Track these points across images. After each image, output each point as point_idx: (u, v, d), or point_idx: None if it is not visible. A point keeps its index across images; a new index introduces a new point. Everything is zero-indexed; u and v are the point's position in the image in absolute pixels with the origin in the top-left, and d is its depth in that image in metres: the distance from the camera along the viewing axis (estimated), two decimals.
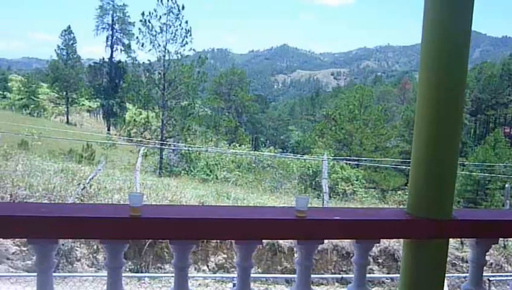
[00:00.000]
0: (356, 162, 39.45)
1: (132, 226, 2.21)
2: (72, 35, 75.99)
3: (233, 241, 2.45)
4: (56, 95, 74.03)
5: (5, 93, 78.08)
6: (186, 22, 41.62)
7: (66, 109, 72.28)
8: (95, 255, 11.45)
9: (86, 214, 2.26)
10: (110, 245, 2.28)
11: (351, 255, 9.33)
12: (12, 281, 10.12)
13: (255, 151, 46.30)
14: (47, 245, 2.22)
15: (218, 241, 11.51)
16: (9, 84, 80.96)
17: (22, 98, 73.12)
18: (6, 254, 10.99)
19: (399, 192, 34.08)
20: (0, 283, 9.90)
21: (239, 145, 46.76)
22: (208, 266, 12.01)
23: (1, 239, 10.52)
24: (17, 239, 10.38)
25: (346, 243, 12.30)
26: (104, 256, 11.33)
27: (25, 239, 2.28)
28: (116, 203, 10.97)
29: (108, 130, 63.90)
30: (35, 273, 2.28)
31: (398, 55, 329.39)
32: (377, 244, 10.07)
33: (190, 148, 35.37)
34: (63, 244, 10.76)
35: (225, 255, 12.22)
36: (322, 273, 12.07)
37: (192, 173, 31.09)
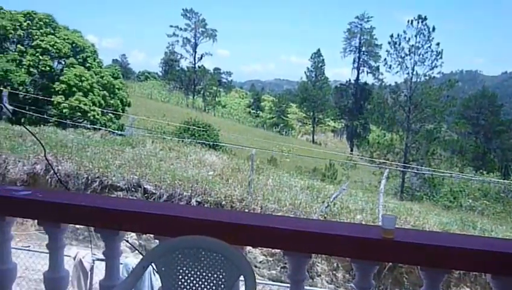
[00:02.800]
0: None
1: (384, 249, 2.19)
2: (321, 58, 79.40)
3: (488, 274, 2.29)
4: (304, 115, 77.89)
5: (258, 112, 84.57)
6: (438, 44, 40.44)
7: (312, 129, 75.48)
8: (334, 272, 11.64)
9: (338, 232, 2.30)
10: (361, 265, 2.28)
11: None
12: (259, 287, 10.81)
13: (505, 180, 42.65)
14: (302, 258, 2.32)
15: (462, 272, 10.82)
16: (262, 103, 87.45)
17: (272, 117, 78.44)
18: (254, 261, 11.77)
19: None
20: None
21: (487, 173, 43.60)
22: None
23: (251, 247, 11.39)
24: (264, 249, 11.10)
25: None
26: (343, 274, 11.49)
27: (274, 249, 2.42)
28: (365, 224, 11.04)
29: (351, 150, 64.86)
30: (282, 283, 2.40)
31: None
32: None
33: (434, 173, 34.09)
34: None
35: (468, 289, 11.45)
36: None
37: (434, 199, 29.99)
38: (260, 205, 12.27)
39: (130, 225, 2.56)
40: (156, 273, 5.47)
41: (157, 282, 7.28)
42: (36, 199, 2.55)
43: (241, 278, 2.24)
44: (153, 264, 2.31)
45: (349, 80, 75.90)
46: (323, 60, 79.31)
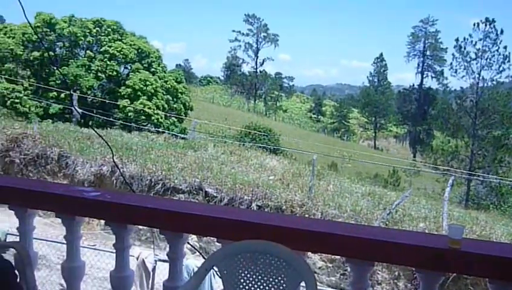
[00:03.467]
0: None
1: (451, 259, 2.13)
2: (383, 62, 78.36)
3: None
4: (365, 120, 76.98)
5: (319, 117, 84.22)
6: (505, 48, 39.13)
7: (373, 134, 74.46)
8: (395, 281, 11.40)
9: (403, 241, 2.26)
10: (425, 275, 2.23)
11: None
12: None
13: None
14: (364, 266, 2.29)
15: None
16: (323, 108, 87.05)
17: (333, 122, 77.95)
18: (313, 267, 11.67)
19: None
20: None
21: None
22: None
23: (311, 253, 11.31)
24: (324, 255, 10.99)
25: None
26: (404, 283, 11.25)
27: (334, 256, 2.40)
28: (430, 233, 10.77)
29: (414, 157, 63.49)
30: None
31: None
32: None
33: (501, 181, 32.86)
34: None
35: None
36: None
37: (502, 208, 28.84)
38: (321, 211, 12.16)
39: (194, 227, 2.61)
40: (216, 276, 5.54)
41: (217, 285, 7.36)
42: (105, 200, 2.64)
43: (302, 284, 2.24)
44: (215, 267, 2.35)
45: (413, 85, 74.59)
46: (386, 64, 78.31)
